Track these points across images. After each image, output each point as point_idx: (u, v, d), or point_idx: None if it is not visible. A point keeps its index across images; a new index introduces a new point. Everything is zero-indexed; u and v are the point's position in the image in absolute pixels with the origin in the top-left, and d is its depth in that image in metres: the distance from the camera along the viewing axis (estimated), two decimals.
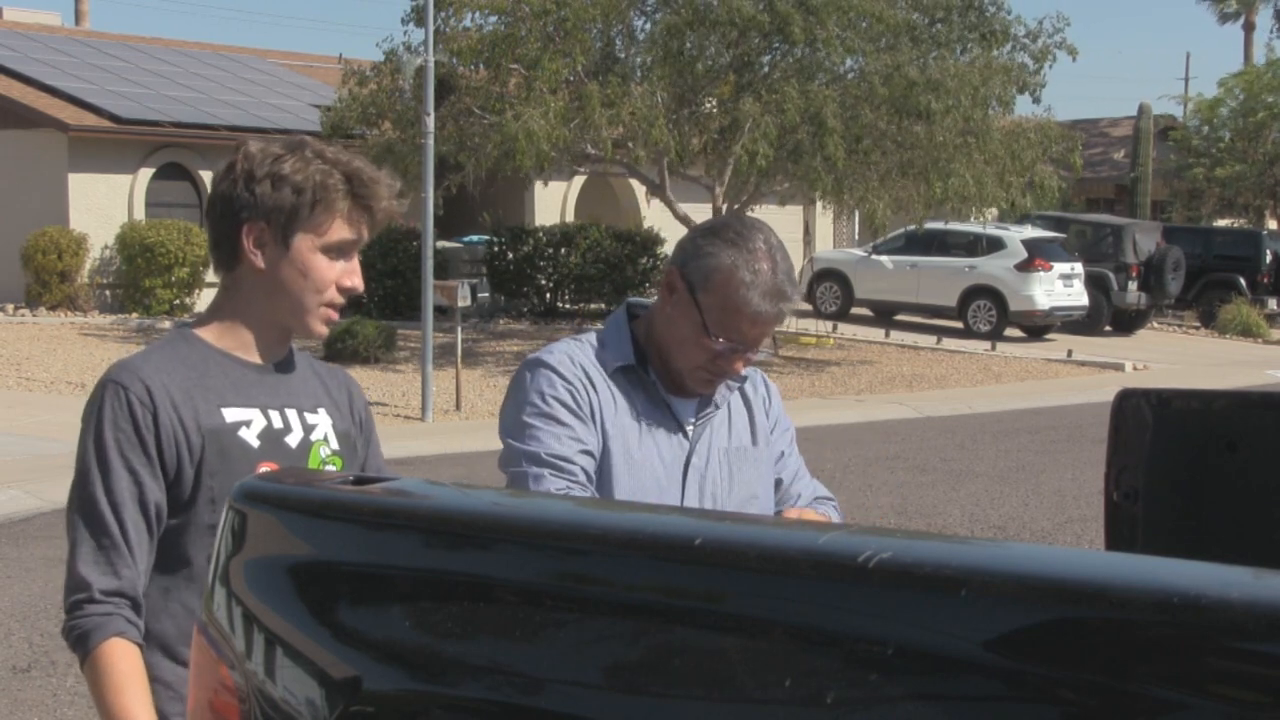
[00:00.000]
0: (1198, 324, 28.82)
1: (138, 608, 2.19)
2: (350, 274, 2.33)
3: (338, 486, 1.69)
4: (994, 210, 19.55)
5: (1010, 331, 24.27)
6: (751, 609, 1.26)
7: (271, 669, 1.58)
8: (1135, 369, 21.17)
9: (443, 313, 15.74)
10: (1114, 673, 1.08)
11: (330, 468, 2.39)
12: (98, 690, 2.15)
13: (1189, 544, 2.71)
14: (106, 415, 2.20)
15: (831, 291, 25.62)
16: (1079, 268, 24.40)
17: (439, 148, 15.89)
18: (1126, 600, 1.10)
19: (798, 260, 27.25)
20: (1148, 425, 2.73)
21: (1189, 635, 1.06)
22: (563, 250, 23.01)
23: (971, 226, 23.84)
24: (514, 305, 23.42)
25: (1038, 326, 24.48)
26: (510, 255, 22.97)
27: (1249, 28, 49.08)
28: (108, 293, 21.30)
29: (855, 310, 25.52)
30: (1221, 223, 35.45)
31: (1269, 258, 29.09)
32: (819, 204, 20.96)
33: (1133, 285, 25.94)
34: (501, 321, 22.45)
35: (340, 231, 2.29)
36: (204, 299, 20.09)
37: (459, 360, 14.88)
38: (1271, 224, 36.19)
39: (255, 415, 2.30)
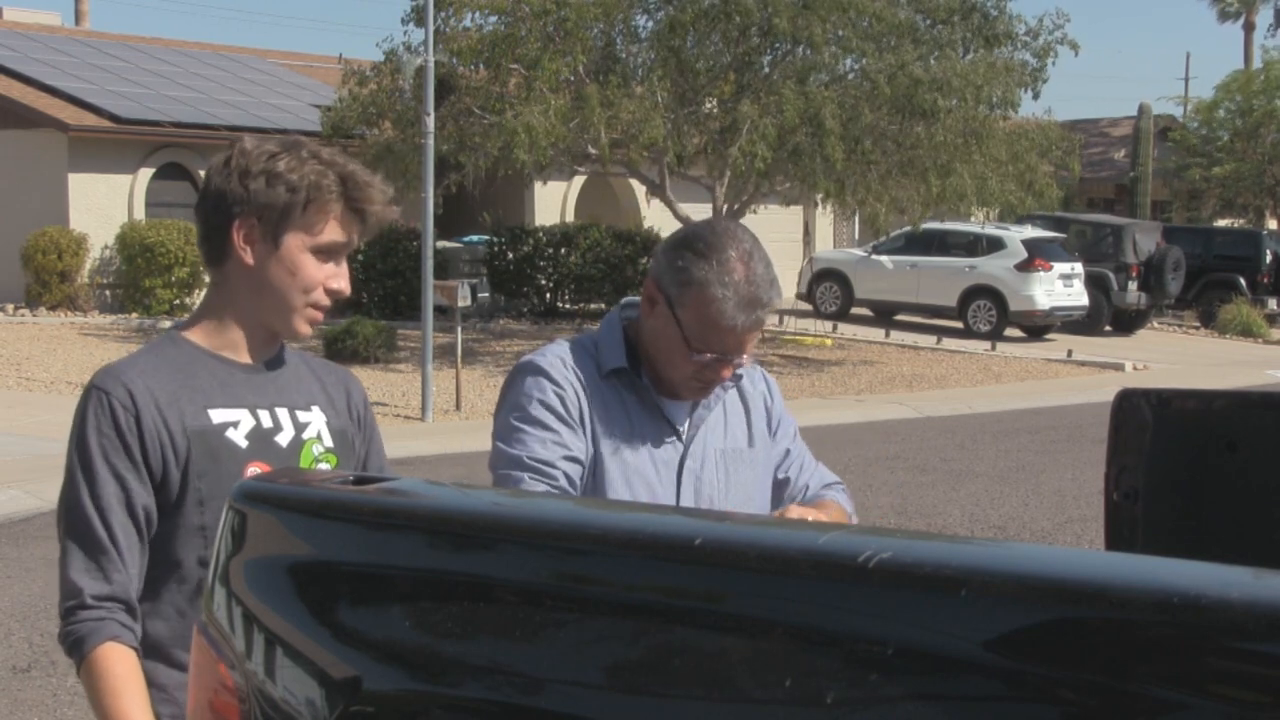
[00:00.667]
0: (1198, 324, 28.82)
1: (132, 611, 2.19)
2: (338, 277, 2.31)
3: (338, 486, 1.69)
4: (994, 210, 19.53)
5: (1010, 331, 24.27)
6: (751, 609, 1.26)
7: (271, 669, 1.58)
8: (1135, 369, 21.17)
9: (443, 313, 15.74)
10: (1114, 673, 1.08)
11: (323, 466, 2.37)
12: (94, 695, 2.15)
13: (1189, 544, 2.71)
14: (90, 421, 2.20)
15: (831, 291, 25.62)
16: (1079, 268, 24.40)
17: (439, 147, 15.89)
18: (1126, 600, 1.10)
19: (798, 260, 27.26)
20: (1148, 425, 2.73)
21: (1189, 635, 1.06)
22: (563, 250, 23.00)
23: (971, 226, 23.84)
24: (514, 305, 23.42)
25: (1038, 326, 24.48)
26: (510, 255, 22.97)
27: (1249, 27, 49.09)
28: (108, 293, 21.30)
29: (855, 310, 25.52)
30: (1221, 223, 35.45)
31: (1269, 258, 29.10)
32: (820, 205, 20.95)
33: (1133, 285, 25.94)
34: (501, 321, 22.45)
35: (332, 233, 2.28)
36: None
37: (459, 360, 14.88)
38: (1271, 224, 36.19)
39: (243, 416, 2.29)
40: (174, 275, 20.58)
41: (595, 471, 2.47)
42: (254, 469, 2.24)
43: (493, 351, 19.32)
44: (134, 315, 20.48)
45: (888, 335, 23.45)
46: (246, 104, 24.04)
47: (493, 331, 21.37)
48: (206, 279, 2.43)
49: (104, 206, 21.24)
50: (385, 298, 21.29)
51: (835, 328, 23.96)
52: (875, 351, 21.74)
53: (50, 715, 5.65)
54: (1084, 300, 24.51)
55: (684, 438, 2.54)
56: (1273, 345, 26.63)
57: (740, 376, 2.59)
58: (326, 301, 2.33)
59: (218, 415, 2.27)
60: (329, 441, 2.39)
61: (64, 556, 2.21)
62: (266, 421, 2.32)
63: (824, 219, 30.45)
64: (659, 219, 23.34)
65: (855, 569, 1.20)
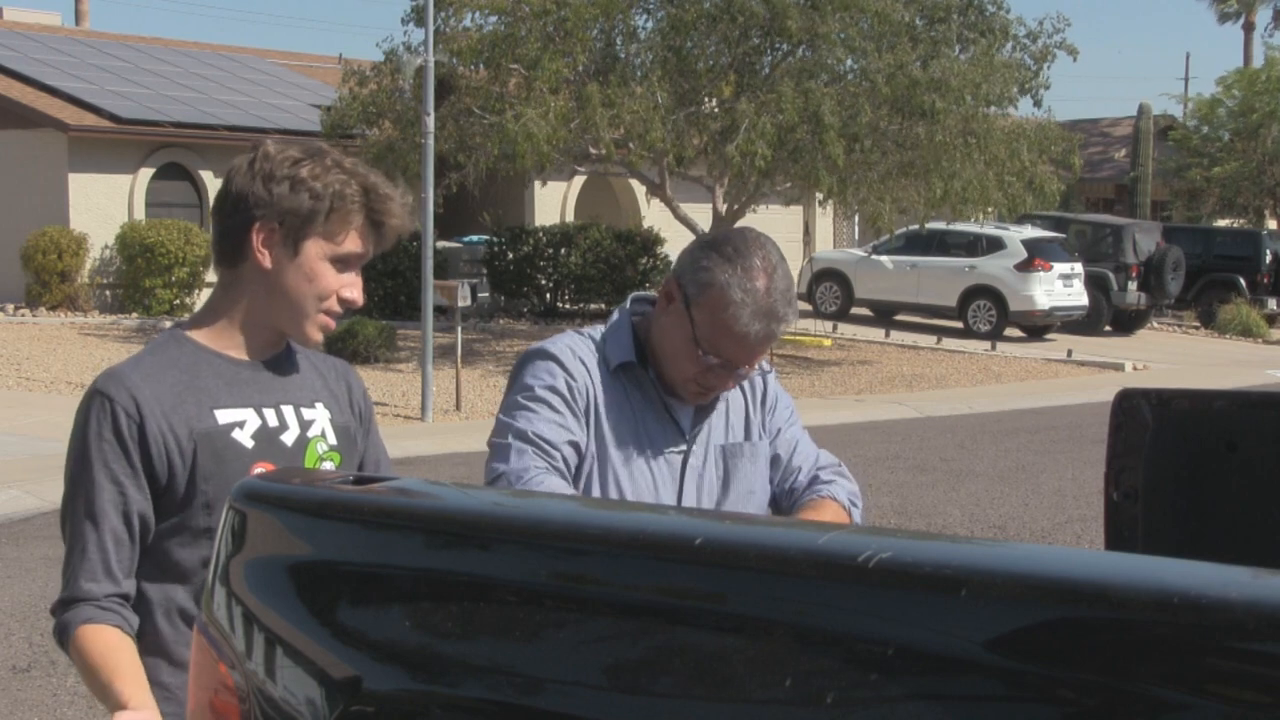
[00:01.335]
0: (1198, 324, 28.82)
1: (120, 601, 2.22)
2: (353, 286, 2.32)
3: (338, 486, 1.69)
4: (993, 210, 19.53)
5: (1010, 331, 24.27)
6: (751, 609, 1.26)
7: (271, 669, 1.58)
8: (1135, 369, 21.17)
9: (443, 313, 15.74)
10: (1114, 673, 1.08)
11: (328, 464, 2.38)
12: (83, 674, 2.18)
13: (1189, 544, 2.71)
14: (91, 427, 2.21)
15: (831, 291, 25.63)
16: (1079, 268, 24.40)
17: (439, 147, 15.89)
18: (1126, 600, 1.10)
19: (798, 260, 27.26)
20: (1148, 425, 2.73)
21: (1189, 635, 1.06)
22: (563, 250, 23.00)
23: (971, 226, 23.84)
24: (514, 305, 23.41)
25: (1038, 326, 24.48)
26: (510, 255, 22.97)
27: (1249, 28, 49.09)
28: (108, 293, 21.30)
29: (855, 310, 25.52)
30: (1221, 223, 35.45)
31: (1269, 258, 29.10)
32: (821, 204, 20.95)
33: (1133, 285, 25.95)
34: (501, 321, 22.45)
35: (351, 244, 2.28)
36: (204, 299, 20.06)
37: (459, 360, 14.88)
38: (1271, 224, 36.18)
39: (249, 415, 2.29)
40: (174, 275, 20.58)
41: (600, 464, 2.47)
42: (260, 470, 2.25)
43: (493, 351, 19.32)
44: (134, 315, 20.48)
45: (888, 335, 23.45)
46: (246, 104, 24.04)
47: (493, 331, 21.37)
48: (210, 279, 2.43)
49: (104, 206, 21.24)
50: (385, 298, 21.29)
51: (835, 328, 23.96)
52: (875, 351, 21.74)
53: (50, 715, 5.65)
54: (1084, 300, 24.52)
55: (688, 436, 2.54)
56: (1273, 345, 26.63)
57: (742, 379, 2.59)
58: (339, 310, 2.33)
59: (224, 415, 2.27)
60: (333, 439, 2.39)
61: (65, 559, 2.24)
62: (272, 420, 2.32)
63: (824, 219, 30.46)
64: (659, 219, 23.34)
65: (855, 569, 1.20)
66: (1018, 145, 18.60)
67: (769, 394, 2.65)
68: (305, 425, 2.35)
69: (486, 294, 22.63)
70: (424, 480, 1.74)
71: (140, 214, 21.39)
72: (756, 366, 2.52)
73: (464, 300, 14.55)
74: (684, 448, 2.53)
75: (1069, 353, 21.99)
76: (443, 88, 16.81)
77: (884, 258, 25.08)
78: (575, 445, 2.44)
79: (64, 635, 2.19)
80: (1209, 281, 28.89)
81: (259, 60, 27.97)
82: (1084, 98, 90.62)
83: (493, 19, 17.81)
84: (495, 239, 23.02)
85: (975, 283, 24.13)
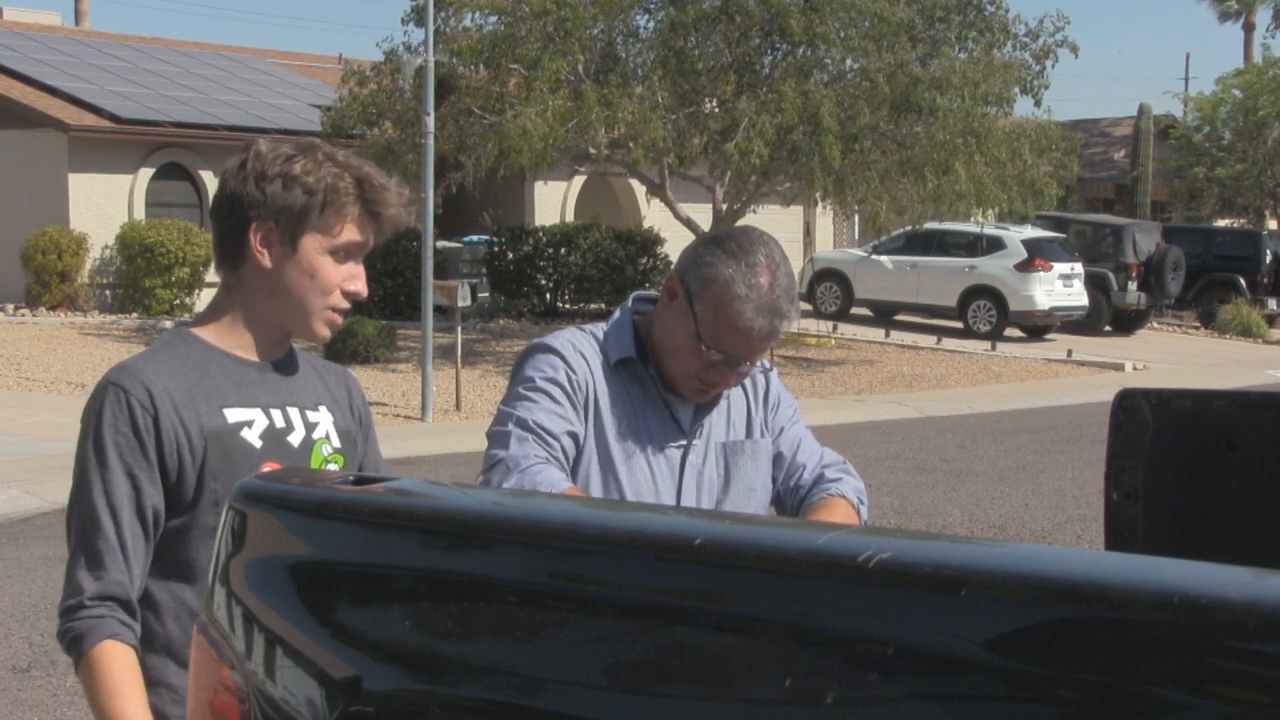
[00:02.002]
0: (1198, 324, 28.82)
1: (132, 611, 2.19)
2: (355, 278, 2.32)
3: (338, 486, 1.69)
4: (994, 210, 19.53)
5: (1010, 331, 24.27)
6: (751, 609, 1.26)
7: (271, 669, 1.58)
8: (1135, 369, 21.17)
9: (443, 313, 15.74)
10: (1114, 673, 1.08)
11: (332, 466, 2.38)
12: (93, 693, 2.15)
13: (1189, 544, 2.70)
14: (106, 419, 2.19)
15: (831, 291, 25.63)
16: (1079, 268, 24.40)
17: (439, 147, 15.89)
18: (1126, 600, 1.10)
19: (798, 260, 27.26)
20: (1148, 425, 2.73)
21: (1189, 635, 1.06)
22: (563, 250, 23.00)
23: (971, 226, 23.85)
24: (514, 305, 23.41)
25: (1038, 326, 24.48)
26: (510, 255, 22.97)
27: (1249, 28, 49.11)
28: (108, 293, 21.30)
29: (855, 310, 25.53)
30: (1221, 223, 35.45)
31: (1269, 258, 29.10)
32: (820, 204, 20.96)
33: (1133, 285, 25.95)
34: (501, 321, 22.44)
35: (349, 234, 2.28)
36: (204, 299, 20.09)
37: (459, 360, 14.88)
38: (1271, 224, 36.18)
39: (257, 415, 2.29)
40: (174, 275, 20.58)
41: (600, 460, 2.47)
42: (267, 469, 2.24)
43: (493, 351, 19.32)
44: (134, 315, 20.48)
45: (888, 335, 23.46)
46: (246, 104, 24.04)
47: (493, 331, 21.37)
48: (211, 279, 2.43)
49: (104, 206, 21.24)
50: (385, 298, 21.29)
51: (835, 328, 23.96)
52: (875, 351, 21.75)
53: (50, 715, 5.65)
54: (1084, 300, 24.52)
55: (688, 433, 2.54)
56: (1273, 345, 26.63)
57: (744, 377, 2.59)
58: (345, 304, 2.33)
59: (233, 414, 2.27)
60: (337, 442, 2.39)
61: (72, 553, 2.21)
62: (279, 421, 2.32)
63: (824, 219, 30.46)
64: (659, 219, 23.34)
65: (855, 569, 1.20)
66: (1018, 145, 18.60)
67: (771, 392, 2.66)
68: (310, 427, 2.36)
69: (486, 294, 22.63)
70: (424, 480, 1.74)
71: (140, 214, 21.39)
72: (758, 363, 2.52)
73: (464, 300, 14.55)
74: (683, 445, 2.54)
75: (1069, 353, 21.99)
76: (443, 88, 16.81)
77: (884, 258, 25.09)
78: (574, 436, 2.45)
79: (75, 647, 2.15)
80: (1209, 281, 28.89)
81: (259, 60, 27.97)
82: (1084, 98, 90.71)
83: (493, 19, 17.81)
84: (495, 239, 23.02)
85: (975, 283, 24.13)
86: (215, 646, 1.65)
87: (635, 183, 22.19)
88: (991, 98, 18.13)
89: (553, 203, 25.76)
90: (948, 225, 23.70)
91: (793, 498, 2.62)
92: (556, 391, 2.45)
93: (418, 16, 17.88)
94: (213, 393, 2.26)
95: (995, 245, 24.18)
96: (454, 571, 1.48)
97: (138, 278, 20.59)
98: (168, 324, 18.92)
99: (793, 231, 29.55)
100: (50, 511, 9.16)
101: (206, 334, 2.33)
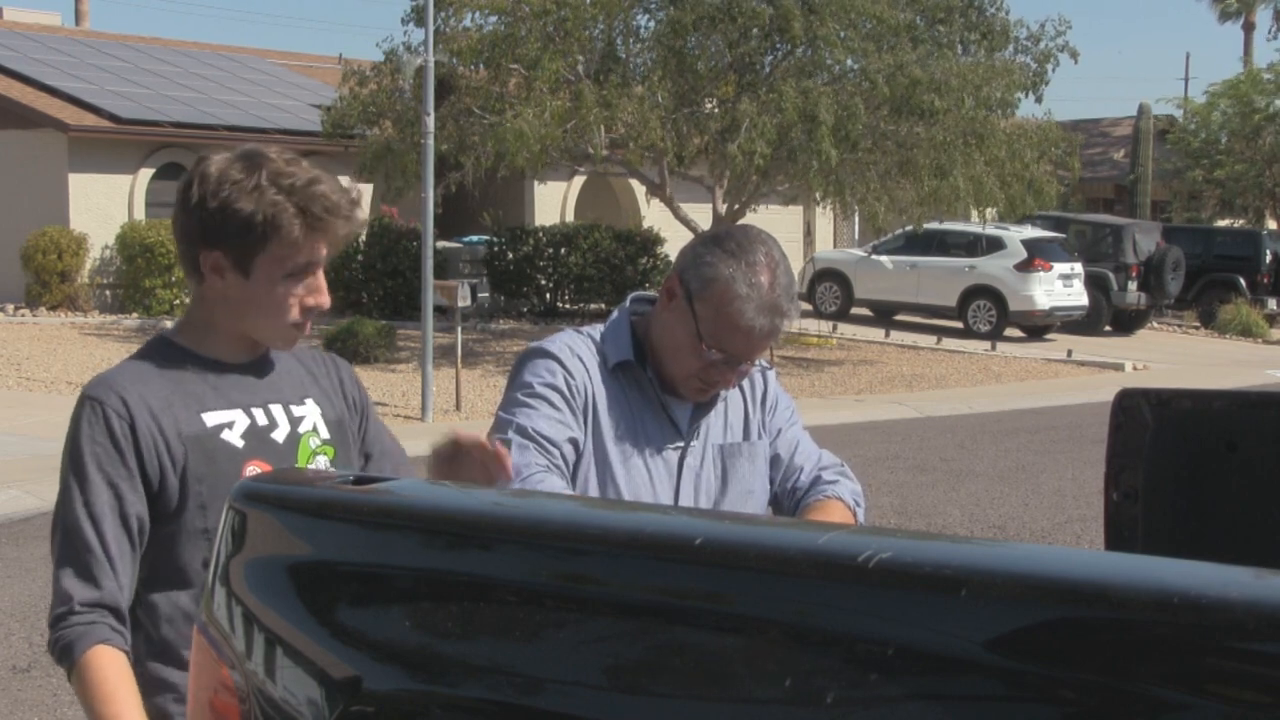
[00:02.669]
0: (1198, 324, 28.82)
1: (121, 618, 2.18)
2: (314, 292, 2.29)
3: (338, 486, 1.69)
4: (994, 211, 19.52)
5: (1010, 331, 24.27)
6: (751, 609, 1.26)
7: (271, 669, 1.58)
8: (1135, 369, 21.17)
9: (443, 313, 15.73)
10: (1114, 673, 1.08)
11: (321, 458, 2.37)
12: (86, 699, 2.14)
13: (1189, 544, 2.70)
14: (84, 431, 2.20)
15: (831, 291, 25.63)
16: (1079, 268, 24.40)
17: (439, 147, 15.89)
18: (1126, 600, 1.10)
19: (798, 260, 27.26)
20: (1148, 425, 2.73)
21: (1189, 635, 1.06)
22: (563, 250, 23.00)
23: (971, 226, 23.86)
24: (514, 305, 23.41)
25: (1038, 326, 24.48)
26: (510, 255, 22.97)
27: (1249, 27, 49.09)
28: (108, 293, 21.30)
29: (855, 310, 25.53)
30: (1221, 223, 35.45)
31: (1269, 258, 29.10)
32: (819, 204, 20.95)
33: (1133, 285, 25.95)
34: (501, 321, 22.45)
35: (298, 256, 2.24)
36: None
37: (459, 360, 14.88)
38: (1271, 224, 36.18)
39: (237, 416, 2.29)
40: (174, 275, 20.54)
41: (598, 463, 2.47)
42: (253, 467, 2.25)
43: (493, 351, 19.32)
44: (134, 315, 20.48)
45: (888, 335, 23.45)
46: (246, 104, 24.04)
47: (493, 331, 21.37)
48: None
49: (104, 206, 21.24)
50: (385, 298, 21.28)
51: (835, 328, 23.96)
52: (875, 351, 21.74)
53: (50, 715, 5.65)
54: (1084, 300, 24.52)
55: (686, 435, 2.54)
56: (1273, 345, 26.63)
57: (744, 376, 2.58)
58: (305, 320, 2.31)
59: (211, 418, 2.27)
60: (325, 434, 2.39)
61: (56, 564, 2.21)
62: (261, 419, 2.31)
63: (824, 219, 30.46)
64: (659, 219, 23.34)
65: (855, 569, 1.20)
66: (1019, 146, 18.59)
67: (769, 394, 2.65)
68: (295, 422, 2.35)
69: (486, 294, 22.63)
70: (424, 480, 1.74)
71: (140, 214, 21.39)
72: (757, 362, 2.52)
73: (464, 300, 14.54)
74: (681, 448, 2.53)
75: (1069, 353, 21.98)
76: (443, 88, 16.81)
77: (884, 258, 25.09)
78: (574, 442, 2.44)
79: (66, 655, 2.15)
80: (1209, 281, 28.89)
81: (259, 60, 27.97)
82: (1084, 98, 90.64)
83: (493, 19, 17.81)
84: (495, 239, 23.02)
85: (975, 283, 24.13)
86: (215, 646, 1.65)
87: (635, 183, 22.19)
88: (994, 101, 18.13)
89: (553, 203, 25.76)
90: (948, 225, 23.71)
91: (789, 500, 2.62)
92: (555, 398, 2.44)
93: (418, 16, 17.88)
94: (190, 398, 2.26)
95: (995, 245, 24.18)
96: (454, 571, 1.48)
97: (138, 278, 20.58)
98: (168, 324, 18.93)
99: (793, 231, 29.55)
100: (50, 511, 9.15)
101: (185, 339, 2.33)
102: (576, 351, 2.50)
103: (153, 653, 2.24)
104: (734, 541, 1.36)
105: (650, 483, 2.49)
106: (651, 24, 18.54)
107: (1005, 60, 18.81)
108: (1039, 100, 19.92)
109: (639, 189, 23.01)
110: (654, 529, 1.45)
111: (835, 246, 30.69)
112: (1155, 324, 28.14)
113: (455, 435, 2.20)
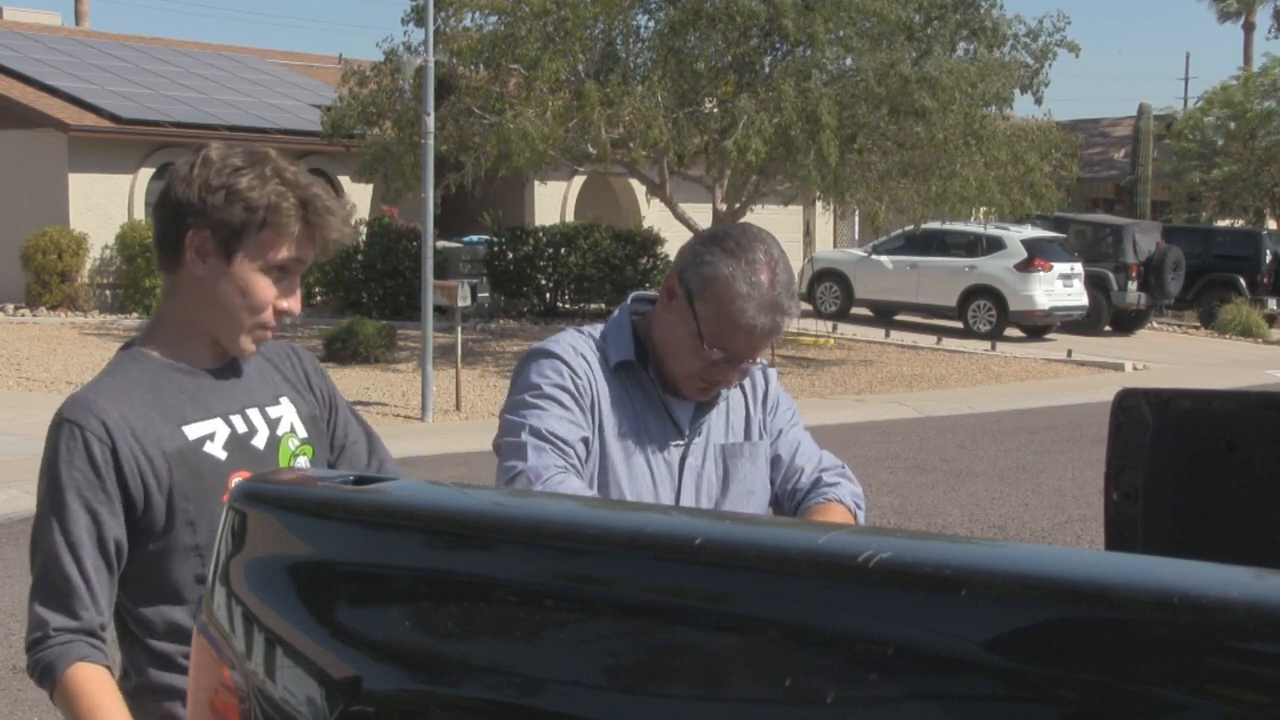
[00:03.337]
0: (1198, 324, 28.82)
1: (100, 639, 2.17)
2: (288, 296, 2.28)
3: (338, 486, 1.69)
4: (994, 211, 19.51)
5: (1010, 331, 24.27)
6: (751, 609, 1.26)
7: (271, 669, 1.58)
8: (1135, 369, 21.17)
9: (443, 313, 15.73)
10: (1114, 673, 1.08)
11: (302, 459, 2.36)
12: (72, 715, 2.12)
13: (1189, 544, 2.70)
14: (62, 456, 2.17)
15: (831, 291, 25.63)
16: (1079, 268, 24.40)
17: (439, 147, 15.89)
18: (1126, 600, 1.10)
19: (798, 260, 27.26)
20: (1148, 425, 2.73)
21: (1189, 635, 1.06)
22: (563, 250, 23.00)
23: (971, 226, 23.85)
24: (514, 305, 23.41)
25: (1038, 326, 24.48)
26: (510, 255, 22.97)
27: (1249, 27, 49.10)
28: (108, 293, 21.30)
29: (855, 310, 25.53)
30: (1221, 223, 35.45)
31: (1269, 258, 29.10)
32: (819, 204, 20.96)
33: (1133, 285, 25.95)
34: (501, 321, 22.45)
35: (287, 252, 2.24)
36: None
37: (459, 360, 14.88)
38: (1271, 224, 36.18)
39: (218, 426, 2.27)
40: None
41: (600, 463, 2.47)
42: (237, 480, 2.22)
43: (493, 351, 19.32)
44: (134, 315, 20.49)
45: (888, 335, 23.45)
46: (246, 104, 24.04)
47: (493, 331, 21.37)
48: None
49: (104, 206, 21.24)
50: (385, 298, 21.28)
51: (835, 328, 23.96)
52: (875, 351, 21.74)
53: (50, 715, 5.65)
54: (1084, 300, 24.52)
55: (687, 435, 2.54)
56: (1273, 345, 26.63)
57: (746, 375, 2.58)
58: (274, 323, 2.29)
59: (193, 430, 2.24)
60: (303, 433, 2.37)
61: (33, 589, 2.18)
62: (241, 427, 2.29)
63: (824, 219, 30.46)
64: (659, 219, 23.34)
65: (855, 569, 1.20)
66: (1020, 147, 18.58)
67: (770, 394, 2.65)
68: (274, 425, 2.33)
69: (486, 294, 22.63)
70: (424, 480, 1.74)
71: (140, 214, 21.40)
72: (758, 361, 2.51)
73: (464, 300, 14.54)
74: (682, 447, 2.53)
75: (1069, 353, 21.98)
76: (443, 88, 16.81)
77: (884, 258, 25.09)
78: (586, 442, 2.44)
79: (47, 676, 2.13)
80: (1209, 281, 28.89)
81: (259, 60, 27.98)
82: (1084, 98, 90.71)
83: (493, 19, 17.81)
84: (495, 239, 23.02)
85: (975, 283, 24.13)
86: (215, 646, 1.65)
87: (635, 183, 22.19)
88: (990, 97, 18.10)
89: (553, 203, 25.76)
90: (948, 225, 23.71)
91: (790, 501, 2.62)
92: (565, 397, 2.44)
93: (418, 16, 17.88)
94: (169, 411, 2.23)
95: (995, 245, 24.19)
96: (454, 571, 1.48)
97: (138, 278, 20.58)
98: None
99: (792, 231, 29.56)
100: None
101: (156, 349, 2.29)
102: (580, 351, 2.50)
103: (155, 663, 2.23)
104: (734, 541, 1.36)
105: (652, 482, 2.49)
106: (651, 24, 18.55)
107: (999, 58, 18.78)
108: (1039, 100, 19.88)
109: (639, 189, 23.02)
110: (654, 529, 1.45)
111: (835, 246, 30.70)
112: (1155, 324, 28.14)
113: None
